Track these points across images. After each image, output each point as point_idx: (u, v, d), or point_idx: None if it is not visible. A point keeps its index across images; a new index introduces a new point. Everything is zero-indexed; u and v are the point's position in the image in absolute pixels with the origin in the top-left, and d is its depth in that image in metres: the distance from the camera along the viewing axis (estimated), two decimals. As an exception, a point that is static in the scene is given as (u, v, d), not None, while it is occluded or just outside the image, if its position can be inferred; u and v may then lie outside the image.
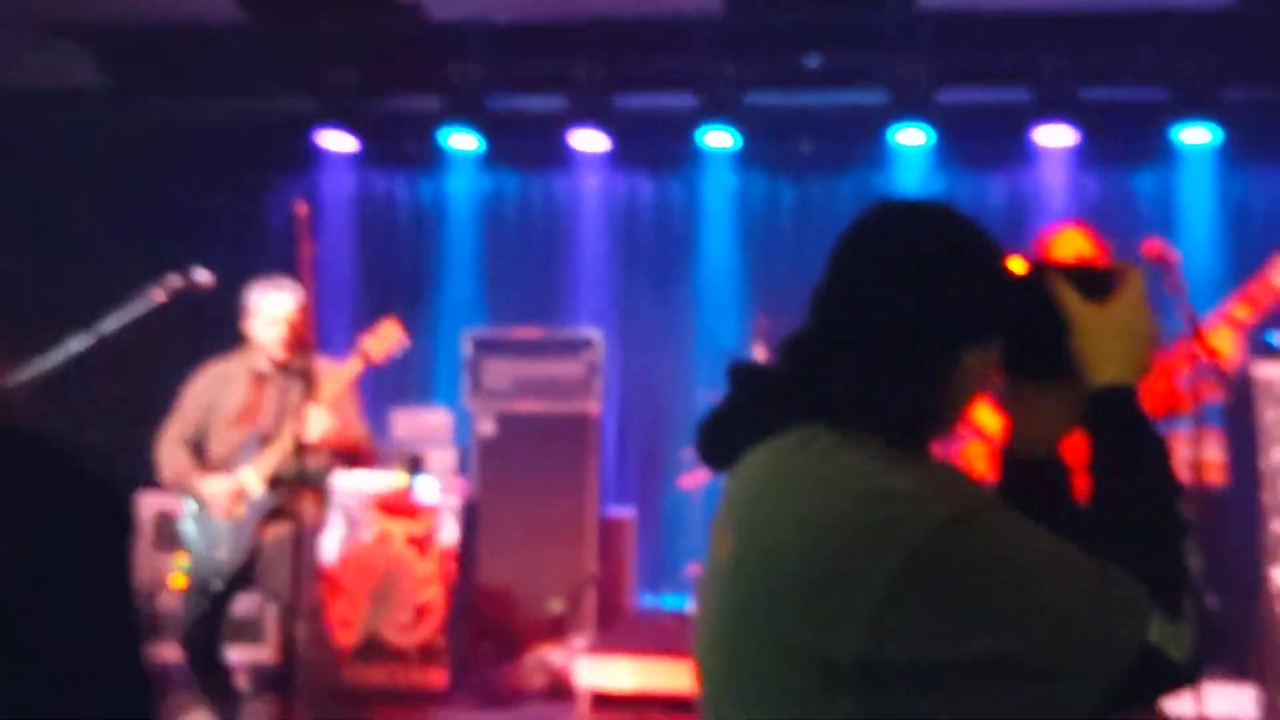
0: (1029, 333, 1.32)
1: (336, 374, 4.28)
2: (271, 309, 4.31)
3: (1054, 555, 1.13)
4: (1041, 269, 1.34)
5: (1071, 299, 1.31)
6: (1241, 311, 3.34)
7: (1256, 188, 7.15)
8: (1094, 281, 1.33)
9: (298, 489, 3.79)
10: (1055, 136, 6.78)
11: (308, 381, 3.78)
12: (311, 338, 3.79)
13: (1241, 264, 5.75)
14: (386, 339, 4.31)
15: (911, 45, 6.49)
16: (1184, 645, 1.13)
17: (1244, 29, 6.10)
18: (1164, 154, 7.03)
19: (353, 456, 4.44)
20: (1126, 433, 1.27)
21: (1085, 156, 7.11)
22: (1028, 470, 1.39)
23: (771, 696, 1.14)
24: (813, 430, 1.21)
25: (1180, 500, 1.24)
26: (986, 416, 4.86)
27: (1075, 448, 1.40)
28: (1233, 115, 6.50)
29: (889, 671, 1.06)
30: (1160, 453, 1.26)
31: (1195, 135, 6.66)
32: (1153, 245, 3.29)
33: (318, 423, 4.05)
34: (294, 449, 4.02)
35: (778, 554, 1.15)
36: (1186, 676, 1.15)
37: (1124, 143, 7.15)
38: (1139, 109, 6.85)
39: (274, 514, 4.26)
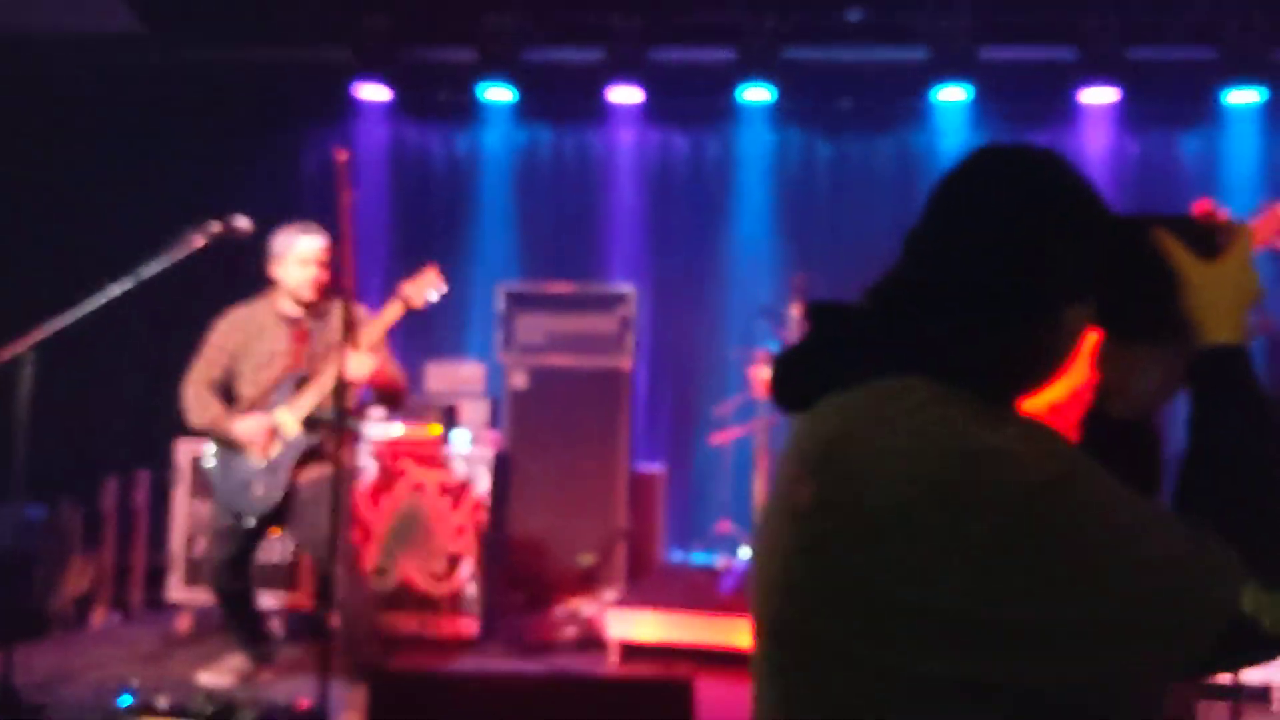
0: (1133, 289, 1.27)
1: (376, 319, 4.34)
2: (301, 250, 4.37)
3: (1150, 519, 1.10)
4: (1149, 223, 1.29)
5: (1183, 255, 1.25)
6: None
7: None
8: (1202, 238, 1.28)
9: (334, 432, 3.84)
10: (1099, 96, 6.67)
11: (348, 325, 3.81)
12: (350, 284, 3.81)
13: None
14: (426, 284, 4.36)
15: (954, 1, 6.38)
16: (1278, 616, 1.10)
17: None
18: (1209, 115, 6.90)
19: (393, 396, 4.51)
20: (1237, 395, 1.22)
21: (1129, 117, 7.00)
22: (1118, 432, 1.36)
23: (850, 651, 1.11)
24: (906, 380, 1.17)
25: None
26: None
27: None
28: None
29: (981, 631, 1.04)
30: (1271, 418, 1.22)
31: (1242, 96, 6.53)
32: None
33: (361, 362, 4.11)
34: (332, 392, 4.08)
35: (869, 504, 1.10)
36: (1277, 649, 1.12)
37: (1169, 103, 7.02)
38: (1185, 68, 6.72)
39: (309, 456, 4.32)
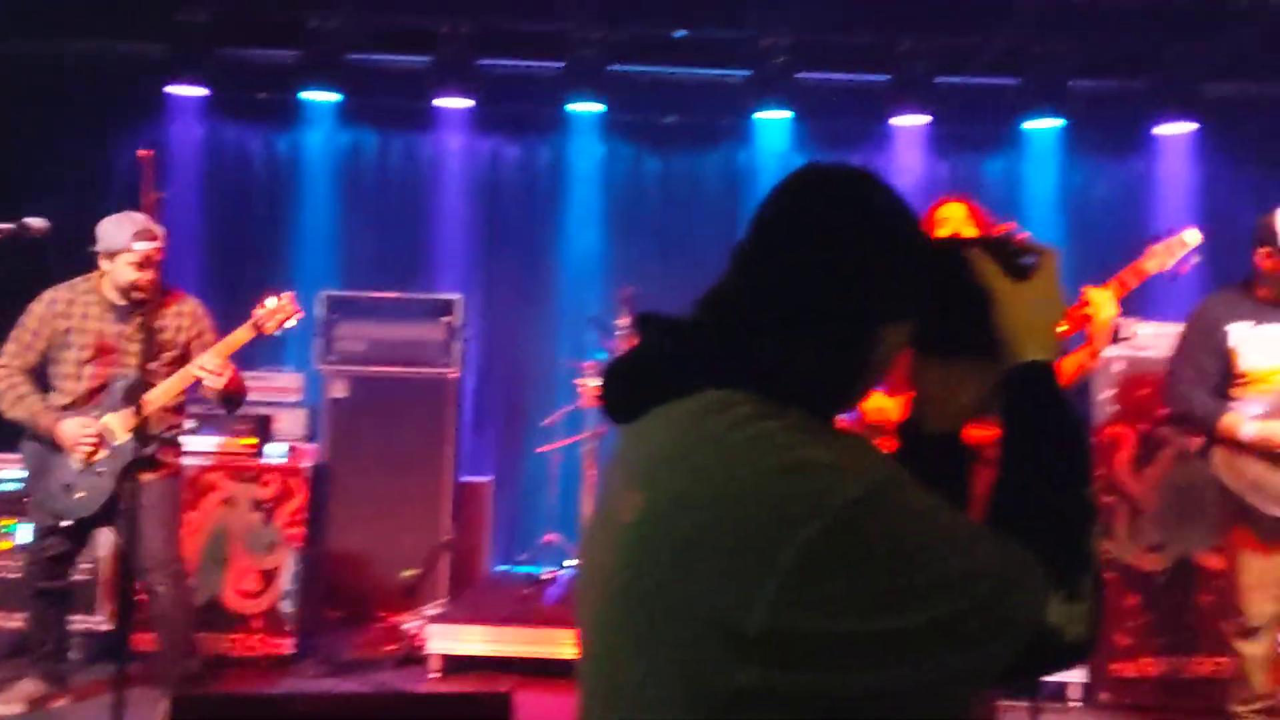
0: (948, 308, 1.31)
1: (224, 340, 4.22)
2: (140, 250, 4.16)
3: (960, 533, 1.12)
4: (961, 244, 1.33)
5: (995, 276, 1.30)
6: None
7: (1096, 176, 7.50)
8: (1013, 259, 1.32)
9: (162, 442, 3.70)
10: (910, 120, 6.96)
11: (147, 330, 3.67)
12: (156, 286, 3.67)
13: (1083, 252, 6.04)
14: (282, 312, 4.24)
15: (775, 26, 6.56)
16: (1080, 626, 1.15)
17: (1090, 22, 6.35)
18: (1012, 140, 7.30)
19: (238, 401, 4.37)
20: (1047, 412, 1.26)
21: (938, 140, 7.33)
22: (930, 446, 1.40)
23: (668, 660, 1.11)
24: (730, 394, 1.18)
25: (1090, 484, 1.24)
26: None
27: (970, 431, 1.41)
28: (1077, 105, 6.77)
29: (793, 643, 1.05)
30: (1078, 435, 1.27)
31: (1042, 124, 6.93)
32: (1006, 226, 3.42)
33: (217, 366, 4.10)
34: (158, 400, 3.97)
35: (690, 517, 1.11)
36: (1080, 655, 1.17)
37: (975, 128, 7.39)
38: (990, 96, 7.08)
39: (138, 465, 4.11)
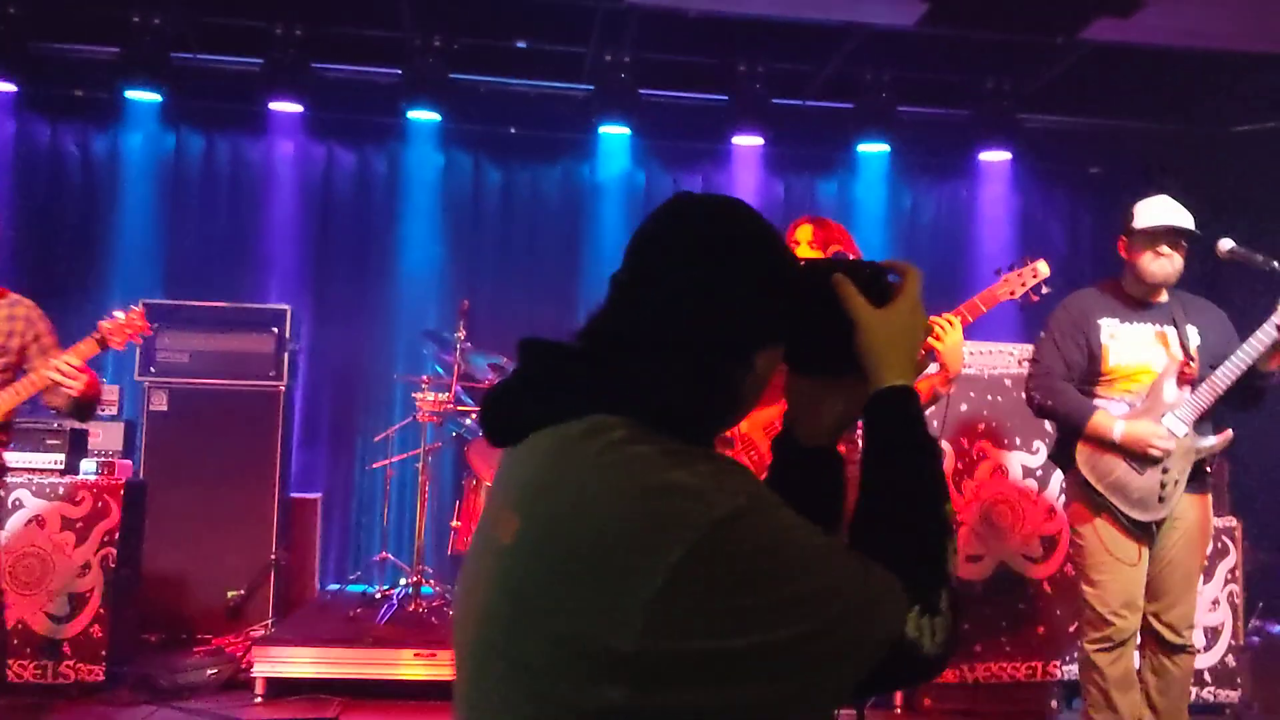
0: (814, 330, 1.35)
1: (69, 351, 3.86)
2: None
3: (821, 551, 1.15)
4: (825, 268, 1.36)
5: (858, 302, 1.34)
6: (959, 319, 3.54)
7: (924, 199, 7.81)
8: (875, 280, 1.36)
9: None
10: (747, 140, 7.11)
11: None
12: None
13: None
14: (130, 328, 3.94)
15: (618, 39, 6.60)
16: (938, 639, 1.19)
17: (920, 50, 6.61)
18: (844, 162, 7.53)
19: (94, 406, 4.05)
20: (905, 434, 1.31)
21: (774, 160, 7.51)
22: (803, 457, 1.44)
23: (541, 682, 1.12)
24: (605, 419, 1.20)
25: (947, 501, 1.29)
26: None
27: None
28: (904, 129, 7.03)
29: (661, 662, 1.07)
30: (935, 455, 1.32)
31: (872, 147, 7.17)
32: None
33: (74, 372, 3.78)
34: None
35: (561, 540, 1.14)
36: (936, 668, 1.21)
37: (809, 149, 7.59)
38: (824, 119, 7.29)
39: None
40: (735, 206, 1.33)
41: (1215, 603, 5.06)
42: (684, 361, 1.23)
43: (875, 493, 1.29)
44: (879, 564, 1.18)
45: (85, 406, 4.00)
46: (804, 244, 3.89)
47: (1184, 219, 3.78)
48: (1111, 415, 3.74)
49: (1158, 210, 3.80)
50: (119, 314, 3.99)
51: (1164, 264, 3.78)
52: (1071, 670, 4.91)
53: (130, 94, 6.62)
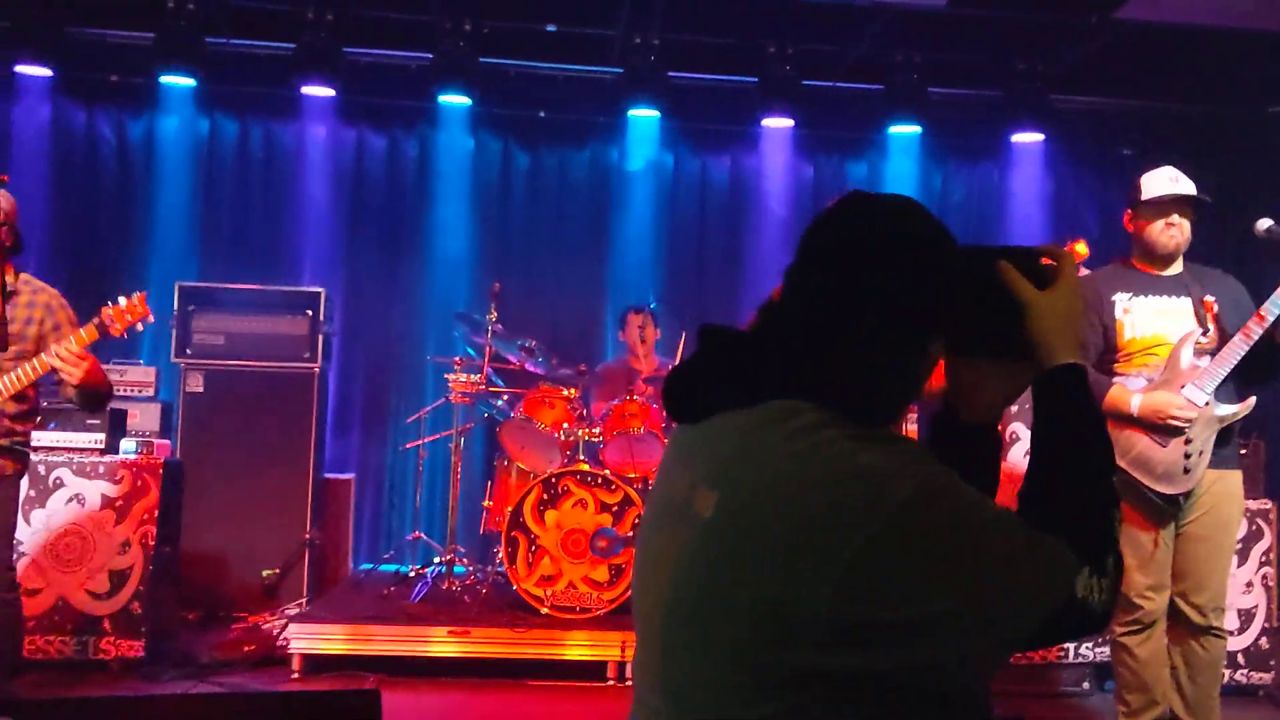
0: (982, 315, 1.44)
1: (69, 338, 3.86)
2: None
3: (997, 523, 1.27)
4: (992, 255, 1.44)
5: (1025, 287, 1.42)
6: None
7: (954, 180, 7.77)
8: (1036, 266, 1.44)
9: None
10: (777, 121, 7.10)
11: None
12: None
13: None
14: (131, 314, 3.92)
15: (647, 22, 6.60)
16: (1105, 597, 1.31)
17: (949, 32, 6.58)
18: (875, 144, 7.51)
19: (103, 397, 4.05)
20: (1077, 409, 1.41)
21: (803, 142, 7.49)
22: (965, 434, 1.53)
23: (740, 645, 1.24)
24: (793, 404, 1.31)
25: (1113, 474, 1.40)
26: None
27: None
28: (934, 111, 7.00)
29: (852, 628, 1.20)
30: (1104, 430, 1.42)
31: (902, 129, 7.15)
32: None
33: (71, 358, 3.75)
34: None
35: (761, 515, 1.26)
36: (1103, 622, 1.33)
37: (839, 131, 7.57)
38: (854, 101, 7.27)
39: None
40: (907, 203, 1.43)
41: (1249, 585, 5.04)
42: (867, 350, 1.35)
43: (1050, 463, 1.40)
44: (1048, 529, 1.29)
45: (90, 396, 3.98)
46: None
47: (1189, 187, 3.77)
48: (1129, 389, 3.71)
49: (1164, 181, 3.78)
50: (122, 300, 3.95)
51: (1174, 233, 3.77)
52: (1103, 652, 4.91)
53: (165, 79, 6.69)
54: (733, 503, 1.29)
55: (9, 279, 3.89)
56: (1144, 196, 3.80)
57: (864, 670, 1.21)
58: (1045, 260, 1.45)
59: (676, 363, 1.48)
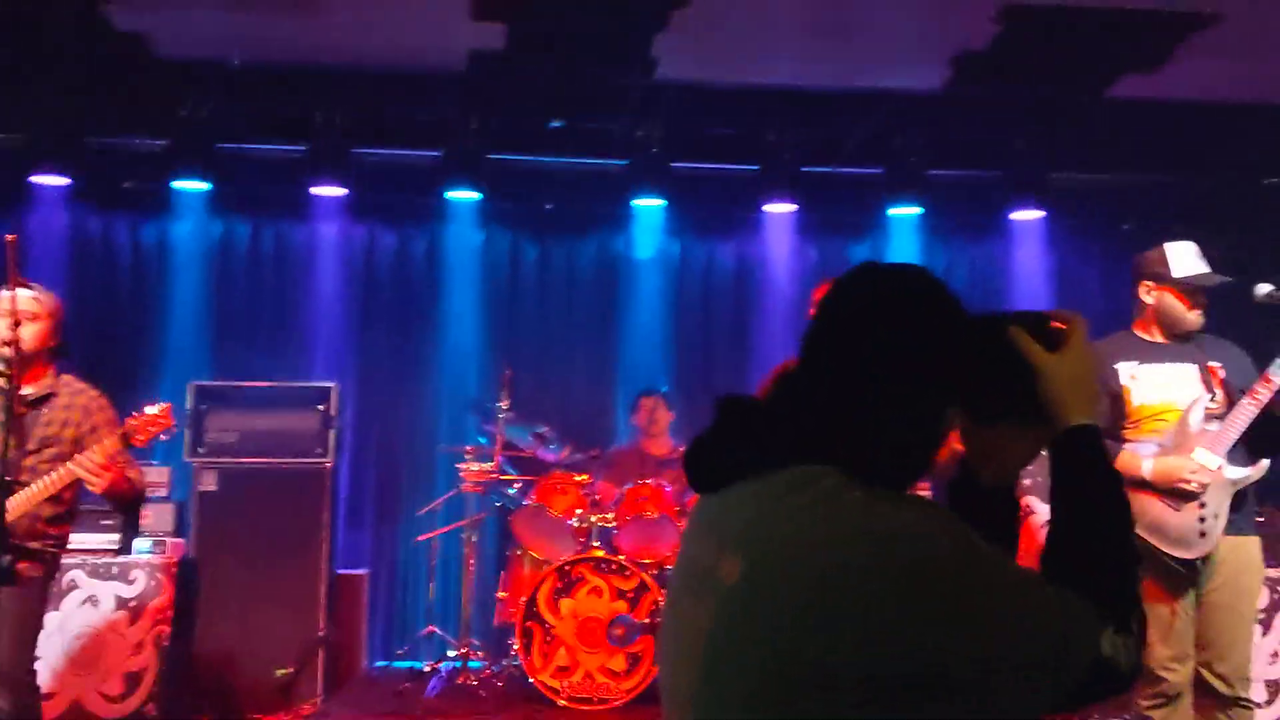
0: (995, 380, 1.46)
1: (97, 446, 3.88)
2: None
3: (1023, 583, 1.29)
4: (1003, 321, 1.47)
5: (1036, 350, 1.44)
6: None
7: (957, 260, 7.84)
8: (1046, 330, 1.47)
9: (23, 555, 3.41)
10: (779, 207, 7.20)
11: (6, 414, 3.42)
12: (17, 376, 3.46)
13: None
14: (155, 426, 3.93)
15: (650, 115, 6.74)
16: (1131, 656, 1.32)
17: (947, 114, 6.70)
18: (876, 226, 7.59)
19: (134, 502, 4.06)
20: (1095, 469, 1.43)
21: (806, 226, 7.57)
22: (983, 499, 1.55)
23: (773, 708, 1.24)
24: (815, 469, 1.33)
25: (1132, 532, 1.43)
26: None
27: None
28: (935, 192, 7.10)
29: (888, 686, 1.20)
30: (1122, 489, 1.43)
31: (903, 210, 7.24)
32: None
33: (94, 471, 3.72)
34: (22, 505, 3.65)
35: (788, 579, 1.26)
36: (1129, 682, 1.33)
37: (841, 214, 7.67)
38: (854, 185, 7.37)
39: None
40: (919, 271, 1.47)
41: (1275, 655, 4.96)
42: (884, 416, 1.38)
43: (1070, 524, 1.41)
44: (1071, 589, 1.31)
45: (119, 501, 3.99)
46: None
47: (1208, 266, 3.82)
48: (1139, 454, 3.70)
49: (1194, 260, 3.81)
50: (147, 409, 3.96)
51: (1200, 315, 3.82)
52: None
53: (178, 184, 6.84)
54: (757, 566, 1.30)
55: (49, 380, 3.94)
56: (1175, 274, 3.81)
57: None
58: (1055, 324, 1.48)
59: (695, 436, 1.51)
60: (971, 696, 1.22)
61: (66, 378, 4.05)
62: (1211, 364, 3.79)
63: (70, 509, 4.04)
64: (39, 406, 3.93)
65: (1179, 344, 3.86)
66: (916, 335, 1.39)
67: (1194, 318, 3.82)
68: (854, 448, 1.36)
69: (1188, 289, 3.80)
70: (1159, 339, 3.88)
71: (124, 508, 4.11)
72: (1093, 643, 1.28)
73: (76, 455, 3.83)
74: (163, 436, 3.99)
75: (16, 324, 3.79)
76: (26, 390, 3.86)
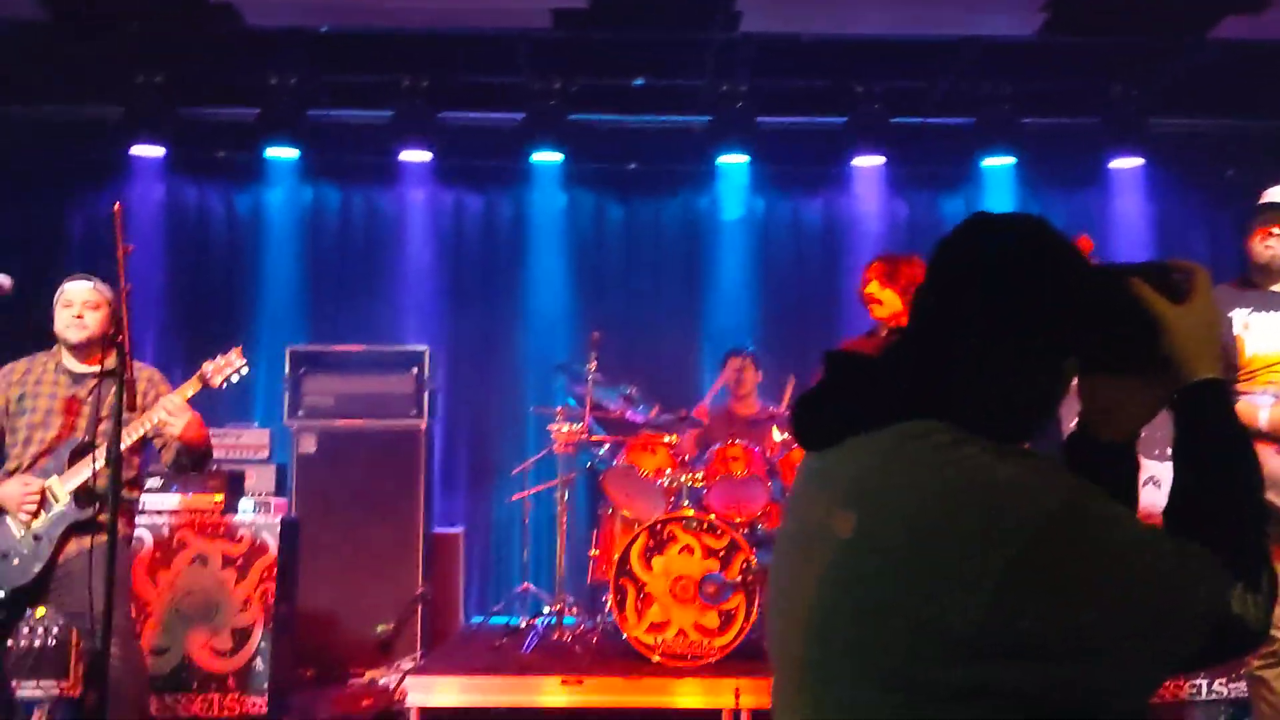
0: (1118, 333, 1.42)
1: (174, 393, 4.08)
2: (65, 294, 4.15)
3: (1146, 539, 1.25)
4: (1125, 272, 1.43)
5: (1160, 302, 1.40)
6: None
7: (1052, 211, 7.64)
8: (1170, 283, 1.42)
9: (108, 504, 3.57)
10: (868, 160, 7.08)
11: (122, 384, 3.57)
12: (125, 342, 3.59)
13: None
14: (228, 366, 4.16)
15: (734, 70, 6.66)
16: (1261, 614, 1.28)
17: (1041, 60, 6.51)
18: (968, 178, 7.43)
19: (202, 455, 4.22)
20: (1222, 424, 1.39)
21: (895, 179, 7.44)
22: (1102, 452, 1.52)
23: (885, 662, 1.24)
24: (927, 424, 1.32)
25: (1262, 489, 1.37)
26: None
27: None
28: (1029, 141, 6.92)
29: (1004, 642, 1.19)
30: (1249, 445, 1.39)
31: (996, 161, 7.07)
32: (1085, 242, 3.50)
33: (178, 408, 3.95)
34: (109, 460, 3.82)
35: (905, 532, 1.25)
36: (1258, 641, 1.29)
37: (931, 166, 7.52)
38: (945, 136, 7.22)
39: (79, 529, 4.01)
40: (1034, 222, 1.43)
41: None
42: (1001, 370, 1.35)
43: (1197, 479, 1.37)
44: (1197, 546, 1.26)
45: (190, 452, 4.13)
46: (873, 279, 4.62)
47: None
48: (1255, 403, 3.60)
49: (1270, 191, 3.71)
50: (220, 356, 4.19)
51: (1271, 244, 3.71)
52: (1238, 687, 4.71)
53: (270, 152, 6.96)
54: (874, 522, 1.29)
55: (110, 362, 4.10)
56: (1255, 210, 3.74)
57: (1021, 687, 1.20)
58: (1176, 276, 1.43)
59: (790, 399, 1.48)
60: (1104, 652, 1.19)
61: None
62: None
63: (138, 474, 4.29)
64: (106, 383, 4.12)
65: None
66: (1032, 287, 1.36)
67: (1261, 249, 3.73)
68: (970, 402, 1.33)
69: (1257, 220, 3.72)
70: (1263, 285, 3.77)
71: (194, 460, 4.24)
72: (1223, 600, 1.24)
73: (160, 401, 4.05)
74: (234, 378, 4.19)
75: (96, 291, 4.10)
76: (94, 368, 4.12)
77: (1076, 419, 1.53)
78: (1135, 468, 1.55)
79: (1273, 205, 3.69)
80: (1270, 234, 3.70)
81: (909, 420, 1.33)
